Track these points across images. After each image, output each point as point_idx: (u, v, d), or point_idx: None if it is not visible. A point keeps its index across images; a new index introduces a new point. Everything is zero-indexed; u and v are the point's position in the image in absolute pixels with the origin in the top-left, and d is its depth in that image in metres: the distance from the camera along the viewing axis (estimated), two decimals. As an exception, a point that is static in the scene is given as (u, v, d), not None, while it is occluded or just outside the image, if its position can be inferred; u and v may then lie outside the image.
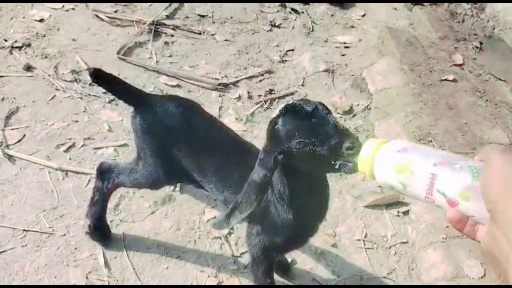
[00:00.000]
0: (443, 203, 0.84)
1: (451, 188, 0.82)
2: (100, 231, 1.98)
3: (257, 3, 3.87)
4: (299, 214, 1.48)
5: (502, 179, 0.71)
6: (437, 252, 2.13)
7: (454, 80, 3.10)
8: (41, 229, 2.04)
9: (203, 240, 2.08)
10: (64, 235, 2.03)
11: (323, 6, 4.02)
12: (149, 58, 3.12)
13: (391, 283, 2.04)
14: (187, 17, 3.57)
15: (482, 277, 2.02)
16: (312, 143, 1.16)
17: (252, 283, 1.93)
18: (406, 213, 2.33)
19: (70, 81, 2.81)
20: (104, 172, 1.87)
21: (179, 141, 1.62)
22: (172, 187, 2.28)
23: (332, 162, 1.15)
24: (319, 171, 1.34)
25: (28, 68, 2.85)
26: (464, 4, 4.11)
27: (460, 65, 3.30)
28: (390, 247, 2.18)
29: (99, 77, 1.61)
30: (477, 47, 3.57)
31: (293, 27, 3.71)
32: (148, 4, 3.57)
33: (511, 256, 0.67)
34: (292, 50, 3.45)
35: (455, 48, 3.50)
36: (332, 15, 3.97)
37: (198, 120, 1.66)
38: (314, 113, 1.17)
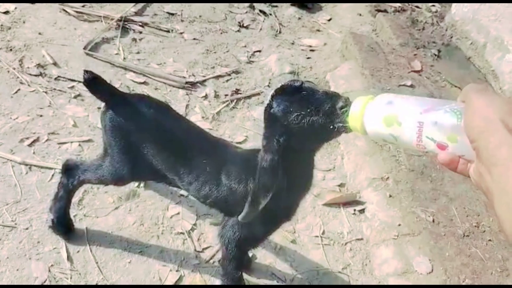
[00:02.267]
0: (433, 148, 0.88)
1: (438, 133, 0.86)
2: (63, 225, 2.00)
3: (226, 3, 3.94)
4: (287, 198, 1.54)
5: (482, 117, 0.74)
6: (389, 248, 2.26)
7: (411, 86, 3.26)
8: (3, 222, 2.04)
9: (166, 236, 2.14)
10: (26, 228, 2.04)
11: (291, 9, 4.13)
12: (116, 54, 3.13)
13: (345, 277, 2.15)
14: (155, 14, 3.59)
15: (430, 272, 2.16)
16: (308, 114, 1.22)
17: (214, 278, 2.01)
18: (362, 211, 2.45)
19: (35, 75, 2.80)
20: (70, 169, 1.89)
21: (150, 140, 1.66)
22: (136, 183, 2.32)
23: (330, 127, 1.21)
24: (320, 141, 1.38)
25: (-8, 60, 2.83)
26: (426, 12, 4.30)
27: (418, 71, 3.46)
28: (346, 244, 2.29)
29: (94, 82, 1.63)
30: (435, 55, 3.75)
31: (261, 29, 3.80)
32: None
33: (495, 190, 0.72)
34: (259, 51, 3.53)
35: (415, 55, 3.66)
36: (299, 18, 4.08)
37: (168, 119, 1.71)
38: (303, 86, 1.25)
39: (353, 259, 2.24)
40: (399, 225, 2.34)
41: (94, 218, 2.14)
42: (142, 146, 1.68)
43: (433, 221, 2.37)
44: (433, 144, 0.88)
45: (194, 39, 3.46)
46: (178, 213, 2.23)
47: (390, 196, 2.47)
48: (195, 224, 2.21)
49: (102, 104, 1.75)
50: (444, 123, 0.85)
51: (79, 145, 2.45)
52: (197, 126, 1.79)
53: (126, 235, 2.10)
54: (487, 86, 0.84)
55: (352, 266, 2.20)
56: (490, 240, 2.35)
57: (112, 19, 3.33)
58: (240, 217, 1.46)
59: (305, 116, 1.22)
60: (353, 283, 2.13)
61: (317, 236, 2.29)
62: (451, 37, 4.04)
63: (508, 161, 0.69)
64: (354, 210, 2.45)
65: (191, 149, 1.67)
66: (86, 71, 1.59)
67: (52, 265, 1.93)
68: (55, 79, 2.80)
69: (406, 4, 4.40)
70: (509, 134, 0.70)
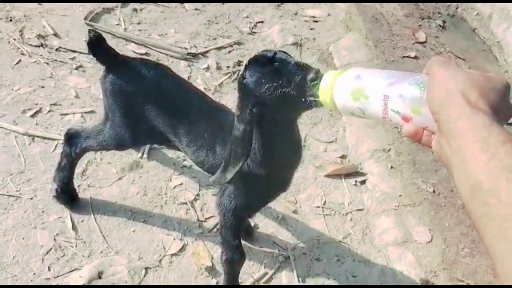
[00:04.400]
0: (398, 120, 0.89)
1: (403, 105, 0.87)
2: (67, 195, 2.03)
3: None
4: (273, 168, 1.55)
5: (443, 90, 0.75)
6: (390, 218, 2.28)
7: (415, 57, 3.23)
8: (8, 192, 2.07)
9: (169, 206, 2.16)
10: (31, 198, 2.07)
11: (294, -21, 4.05)
12: (117, 24, 3.10)
13: (346, 246, 2.18)
14: (156, -16, 3.54)
15: (429, 242, 2.19)
16: (280, 85, 1.23)
17: (217, 246, 2.04)
18: (363, 182, 2.46)
19: (36, 46, 2.78)
20: (72, 138, 1.90)
21: (150, 103, 1.67)
22: (139, 154, 2.33)
23: (302, 100, 1.21)
24: (293, 114, 1.40)
25: (-8, 31, 2.81)
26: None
27: (422, 42, 3.43)
28: (346, 214, 2.32)
29: (98, 42, 1.62)
30: (440, 26, 3.70)
31: (263, -1, 3.74)
32: (117, -31, 3.51)
33: (454, 161, 0.73)
34: (262, 22, 3.49)
35: (419, 26, 3.62)
36: (303, -11, 4.00)
37: (169, 82, 1.71)
38: (275, 58, 1.26)
39: (354, 229, 2.26)
40: (400, 195, 2.36)
41: (98, 188, 2.16)
42: (143, 109, 1.69)
43: (434, 192, 2.39)
44: (398, 116, 0.89)
45: (196, 9, 3.42)
46: (181, 184, 2.25)
47: (392, 167, 2.48)
48: (198, 195, 2.23)
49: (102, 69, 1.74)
50: (407, 95, 0.86)
51: (82, 116, 2.45)
52: (198, 89, 1.79)
53: (130, 205, 2.13)
54: (450, 58, 0.84)
55: (352, 236, 2.23)
56: (490, 211, 2.36)
57: (112, -11, 3.29)
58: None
59: (277, 88, 1.23)
60: (352, 251, 2.17)
61: (318, 207, 2.32)
62: (457, 8, 3.97)
63: (466, 134, 0.70)
64: (355, 181, 2.46)
65: (191, 111, 1.68)
66: (91, 30, 1.58)
67: (57, 234, 1.97)
68: (56, 50, 2.79)
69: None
70: (468, 107, 0.71)
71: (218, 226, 2.10)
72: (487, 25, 3.65)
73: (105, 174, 2.23)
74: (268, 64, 1.25)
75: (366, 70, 0.98)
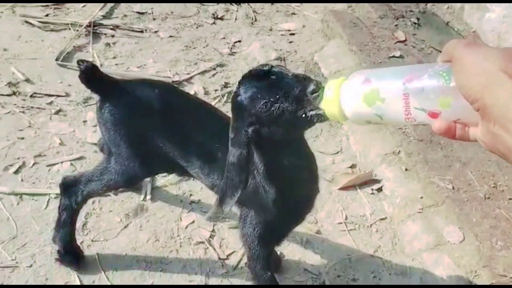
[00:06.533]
0: (424, 118, 0.80)
1: (428, 100, 0.78)
2: (71, 254, 1.81)
3: (196, -3, 3.76)
4: (288, 189, 1.40)
5: (481, 72, 0.67)
6: (416, 223, 2.17)
7: (401, 56, 3.19)
8: (3, 263, 1.83)
9: (185, 248, 1.97)
10: (30, 266, 1.83)
11: (262, -5, 3.98)
12: (92, 61, 2.91)
13: (379, 260, 2.05)
14: (125, 15, 3.38)
15: (462, 241, 2.09)
16: (277, 100, 1.10)
17: (247, 282, 1.86)
18: (379, 189, 2.35)
19: (8, 95, 2.55)
20: (70, 186, 1.69)
21: (158, 127, 1.51)
22: (141, 196, 2.14)
23: (303, 116, 1.08)
24: (293, 131, 1.24)
25: (-44, 85, 2.57)
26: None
27: (403, 41, 3.40)
28: (371, 225, 2.19)
29: (92, 72, 1.46)
30: (415, 23, 3.70)
31: (236, 18, 3.64)
32: (82, 5, 3.33)
33: None
34: (239, 41, 3.38)
35: (396, 25, 3.59)
36: (272, 4, 3.93)
37: (175, 101, 1.56)
38: (271, 71, 1.14)
39: (382, 240, 2.14)
40: (422, 197, 2.26)
41: (103, 242, 1.95)
42: (150, 134, 1.52)
43: (453, 188, 2.30)
44: (424, 114, 0.79)
45: (171, 36, 3.27)
46: (193, 222, 2.07)
47: (406, 169, 2.38)
48: (213, 231, 2.05)
49: (97, 98, 1.56)
50: (432, 89, 0.77)
51: (71, 164, 2.24)
52: (209, 104, 1.63)
53: (143, 254, 1.93)
54: (475, 38, 0.76)
55: (382, 248, 2.10)
56: (510, 198, 2.30)
57: (80, 26, 3.10)
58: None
59: (274, 103, 1.10)
60: (387, 265, 2.03)
61: (340, 223, 2.18)
62: (426, 4, 3.99)
63: None
64: (372, 189, 2.35)
65: (201, 130, 1.52)
66: (80, 61, 1.41)
67: (67, 300, 1.74)
68: (31, 96, 2.57)
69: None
70: None
71: (243, 262, 1.94)
72: (460, 16, 3.67)
73: (109, 224, 2.02)
74: (264, 78, 1.13)
75: (374, 71, 0.88)
